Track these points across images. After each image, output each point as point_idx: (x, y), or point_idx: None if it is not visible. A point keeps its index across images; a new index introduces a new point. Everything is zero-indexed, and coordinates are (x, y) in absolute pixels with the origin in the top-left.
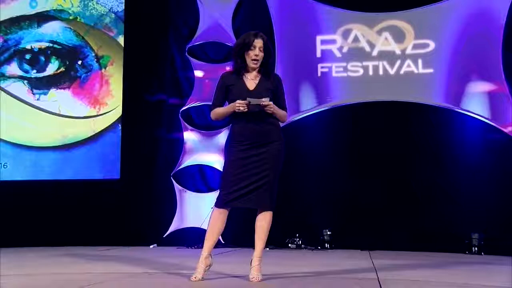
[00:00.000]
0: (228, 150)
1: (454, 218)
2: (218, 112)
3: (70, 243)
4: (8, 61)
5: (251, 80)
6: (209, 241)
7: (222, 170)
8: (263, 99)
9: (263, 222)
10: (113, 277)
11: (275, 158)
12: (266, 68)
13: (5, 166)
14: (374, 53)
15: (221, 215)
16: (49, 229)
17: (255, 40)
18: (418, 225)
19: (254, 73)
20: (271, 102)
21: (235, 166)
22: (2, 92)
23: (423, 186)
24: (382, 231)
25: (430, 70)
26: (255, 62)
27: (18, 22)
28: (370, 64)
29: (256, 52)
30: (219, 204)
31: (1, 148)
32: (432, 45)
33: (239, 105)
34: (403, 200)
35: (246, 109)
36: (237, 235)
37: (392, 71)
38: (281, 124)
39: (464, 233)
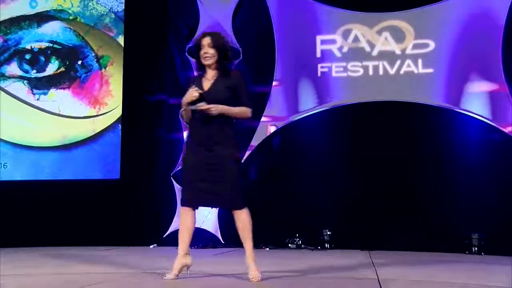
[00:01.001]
0: (185, 151)
1: (454, 218)
2: (181, 115)
3: (70, 243)
4: (8, 61)
5: (207, 81)
6: (183, 241)
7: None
8: (199, 104)
9: (238, 222)
10: (113, 277)
11: (226, 159)
12: (222, 65)
13: (5, 166)
14: (374, 53)
15: (188, 213)
16: (49, 229)
17: (202, 39)
18: (418, 225)
19: (212, 72)
20: (209, 106)
21: (192, 166)
22: (2, 92)
23: (423, 186)
24: (382, 231)
25: (430, 70)
26: (206, 59)
27: (18, 22)
28: (370, 64)
29: (204, 50)
30: (183, 203)
31: (1, 148)
32: (432, 45)
33: (192, 95)
34: (403, 200)
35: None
36: (237, 235)
37: (392, 71)
38: (275, 122)
39: (464, 233)
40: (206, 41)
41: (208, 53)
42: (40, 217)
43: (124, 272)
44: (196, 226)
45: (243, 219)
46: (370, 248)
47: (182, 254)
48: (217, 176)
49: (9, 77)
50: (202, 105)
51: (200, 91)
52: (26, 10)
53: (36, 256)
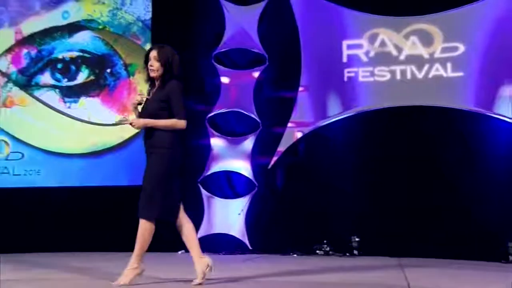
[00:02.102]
0: None
1: (489, 225)
2: None
3: (97, 249)
4: (41, 71)
5: (152, 92)
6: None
7: None
8: (121, 119)
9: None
10: (139, 282)
11: (153, 166)
12: (164, 78)
13: (38, 173)
14: (402, 57)
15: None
16: (80, 235)
17: (150, 52)
18: (450, 232)
19: (158, 84)
20: (131, 120)
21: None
22: (36, 101)
23: (455, 192)
24: (412, 237)
25: (460, 74)
26: (151, 71)
27: (51, 33)
28: (398, 68)
29: (150, 63)
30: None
31: (35, 155)
32: (461, 48)
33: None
34: (434, 206)
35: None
36: (265, 240)
37: (420, 75)
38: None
39: (499, 240)
40: (153, 54)
41: (153, 66)
42: (70, 222)
43: (152, 277)
44: (223, 232)
45: (140, 227)
46: (400, 255)
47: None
48: (145, 181)
49: (43, 86)
50: (124, 120)
51: (143, 95)
52: (59, 21)
53: (68, 261)
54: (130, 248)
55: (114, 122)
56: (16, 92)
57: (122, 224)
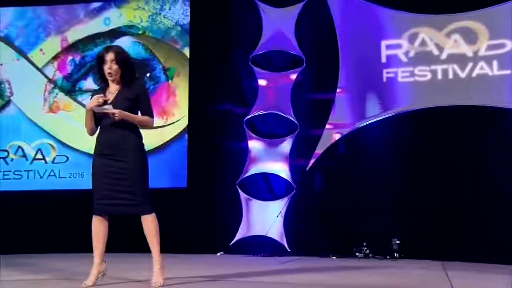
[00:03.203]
0: (93, 158)
1: None
2: (84, 123)
3: (138, 250)
4: (84, 76)
5: (110, 94)
6: (97, 249)
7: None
8: (105, 106)
9: (146, 229)
10: (182, 282)
11: (132, 168)
12: (125, 78)
13: (82, 176)
14: (443, 56)
15: (99, 221)
16: (121, 236)
17: (106, 54)
18: (497, 235)
19: (116, 86)
20: (115, 110)
21: (99, 175)
22: (80, 105)
23: (499, 194)
24: (456, 241)
25: (507, 72)
26: (109, 75)
27: (93, 39)
28: (439, 67)
29: (108, 66)
30: (94, 211)
31: (79, 158)
32: (509, 44)
33: (97, 99)
34: (478, 208)
35: (99, 110)
36: (303, 244)
37: (463, 74)
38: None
39: None
40: (110, 57)
41: (112, 69)
42: (113, 224)
43: (192, 276)
44: (262, 234)
45: (149, 224)
46: (443, 259)
47: (97, 262)
48: (127, 183)
49: (86, 91)
50: (108, 108)
51: (104, 98)
52: (101, 27)
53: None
54: (171, 250)
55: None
56: (62, 98)
57: (162, 225)
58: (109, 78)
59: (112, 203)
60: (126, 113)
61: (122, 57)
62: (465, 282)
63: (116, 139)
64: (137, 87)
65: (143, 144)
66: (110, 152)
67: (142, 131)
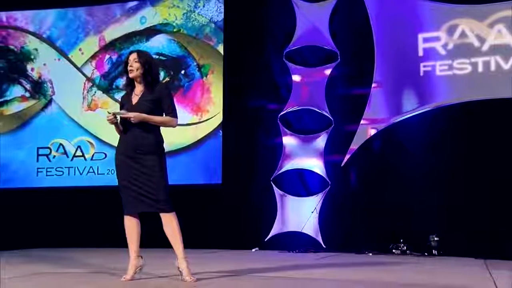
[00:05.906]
0: (115, 157)
1: None
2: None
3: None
4: (121, 74)
5: (135, 96)
6: (132, 245)
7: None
8: (121, 111)
9: (167, 228)
10: (217, 277)
11: (152, 166)
12: (147, 80)
13: (112, 172)
14: (485, 48)
15: (130, 220)
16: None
17: (129, 56)
18: None
19: (140, 88)
20: (130, 114)
21: (123, 175)
22: (117, 103)
23: None
24: (499, 237)
25: None
26: (131, 72)
27: (130, 38)
28: (480, 60)
29: (130, 63)
30: (124, 211)
31: (112, 155)
32: None
33: (107, 117)
34: None
35: (116, 120)
36: (338, 240)
37: (507, 66)
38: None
39: None
40: (132, 56)
41: (133, 66)
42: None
43: (227, 271)
44: (297, 230)
45: (169, 223)
46: (486, 257)
47: (133, 257)
48: (146, 183)
49: (122, 89)
50: (123, 113)
51: (113, 112)
52: (137, 26)
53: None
54: (207, 246)
55: (187, 122)
56: (100, 96)
57: (197, 222)
58: (130, 75)
59: (138, 201)
60: (143, 115)
61: (144, 57)
62: (510, 281)
63: (136, 140)
64: (159, 89)
65: (163, 144)
66: (131, 152)
67: (177, 129)
